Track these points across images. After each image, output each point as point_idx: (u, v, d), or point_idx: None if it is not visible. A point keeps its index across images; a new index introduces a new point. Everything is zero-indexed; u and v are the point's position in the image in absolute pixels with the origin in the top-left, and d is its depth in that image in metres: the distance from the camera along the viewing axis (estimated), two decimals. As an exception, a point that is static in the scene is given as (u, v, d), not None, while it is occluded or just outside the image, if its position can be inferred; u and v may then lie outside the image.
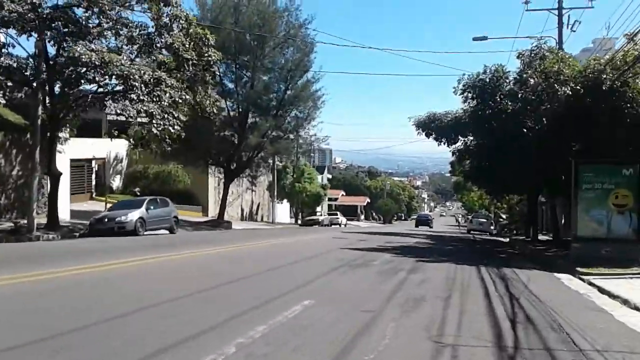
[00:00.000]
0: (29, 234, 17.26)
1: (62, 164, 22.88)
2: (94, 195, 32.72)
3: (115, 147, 31.83)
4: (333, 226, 49.61)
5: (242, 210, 46.14)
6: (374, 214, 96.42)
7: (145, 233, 20.44)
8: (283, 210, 53.32)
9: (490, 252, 19.97)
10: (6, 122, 20.85)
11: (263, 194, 49.07)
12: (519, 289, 8.81)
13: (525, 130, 16.14)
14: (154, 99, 17.74)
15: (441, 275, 10.06)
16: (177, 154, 30.10)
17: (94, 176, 33.29)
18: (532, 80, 15.65)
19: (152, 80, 17.74)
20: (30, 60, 17.68)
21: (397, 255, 13.85)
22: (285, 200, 48.72)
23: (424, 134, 25.81)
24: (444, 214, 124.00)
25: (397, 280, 8.94)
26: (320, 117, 35.17)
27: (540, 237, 26.05)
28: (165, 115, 18.86)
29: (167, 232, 21.90)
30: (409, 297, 7.19)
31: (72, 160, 29.24)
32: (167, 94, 18.13)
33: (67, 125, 21.00)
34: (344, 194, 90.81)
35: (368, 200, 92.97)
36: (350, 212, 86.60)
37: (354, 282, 8.89)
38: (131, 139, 21.73)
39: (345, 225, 53.66)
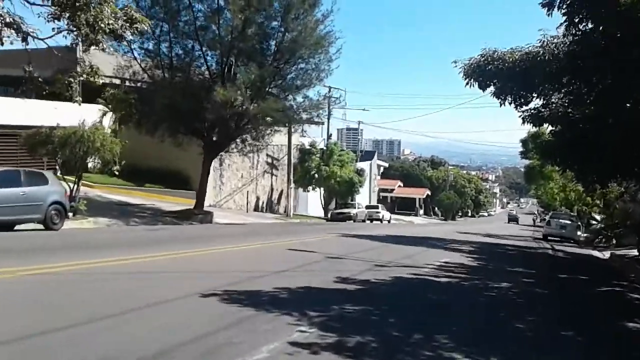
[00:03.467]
0: None
1: None
2: (58, 174, 25.72)
3: (91, 113, 24.95)
4: (374, 222, 40.34)
5: (257, 198, 37.66)
6: (435, 208, 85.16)
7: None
8: (314, 200, 44.24)
9: (594, 304, 10.03)
10: None
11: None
12: None
13: None
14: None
15: None
16: (155, 121, 22.23)
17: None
18: None
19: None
20: None
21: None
22: (311, 188, 39.65)
23: (476, 84, 16.22)
24: (513, 210, 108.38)
25: None
26: (336, 71, 25.70)
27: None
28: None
29: (40, 226, 13.76)
30: None
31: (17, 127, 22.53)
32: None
33: None
34: (401, 185, 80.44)
35: (428, 192, 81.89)
36: (408, 206, 76.20)
37: None
38: None
39: (389, 221, 43.98)
